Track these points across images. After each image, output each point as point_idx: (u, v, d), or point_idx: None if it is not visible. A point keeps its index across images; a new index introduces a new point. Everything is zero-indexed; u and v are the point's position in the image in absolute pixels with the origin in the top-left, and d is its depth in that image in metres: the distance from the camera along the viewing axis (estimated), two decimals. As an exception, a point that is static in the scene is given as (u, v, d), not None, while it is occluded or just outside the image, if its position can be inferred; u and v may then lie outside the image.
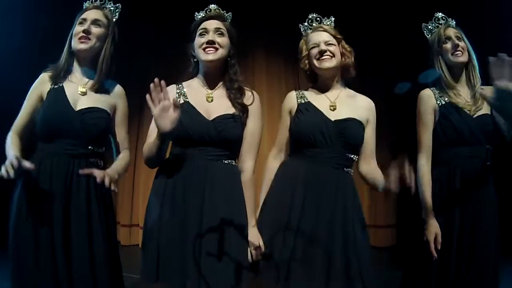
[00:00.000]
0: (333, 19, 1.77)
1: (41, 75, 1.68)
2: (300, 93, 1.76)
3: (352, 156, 1.67)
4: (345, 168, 1.65)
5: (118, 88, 1.75)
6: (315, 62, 1.69)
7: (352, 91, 1.78)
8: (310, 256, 1.54)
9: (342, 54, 1.71)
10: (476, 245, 1.67)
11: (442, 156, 1.81)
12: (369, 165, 1.71)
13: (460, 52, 1.80)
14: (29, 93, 1.66)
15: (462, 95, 1.81)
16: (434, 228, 1.72)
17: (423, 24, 1.94)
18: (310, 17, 1.77)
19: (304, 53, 1.74)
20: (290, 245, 1.56)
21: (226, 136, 1.57)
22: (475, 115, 1.77)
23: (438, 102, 1.82)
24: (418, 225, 1.78)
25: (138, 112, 4.79)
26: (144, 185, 4.70)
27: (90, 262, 1.54)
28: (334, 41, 1.70)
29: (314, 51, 1.69)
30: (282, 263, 1.55)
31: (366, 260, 1.57)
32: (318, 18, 1.76)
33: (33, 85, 1.66)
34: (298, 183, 1.62)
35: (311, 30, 1.76)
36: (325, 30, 1.72)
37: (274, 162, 1.76)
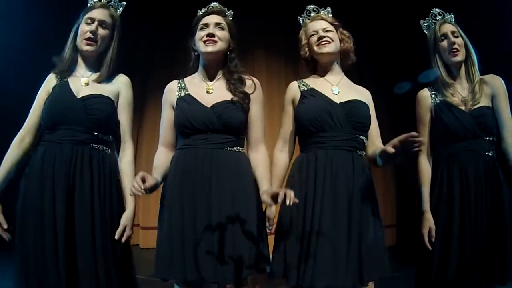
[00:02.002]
0: (329, 9, 1.82)
1: (49, 75, 1.72)
2: (302, 81, 1.77)
3: (362, 138, 1.66)
4: (358, 151, 1.64)
5: (122, 77, 1.77)
6: (315, 48, 1.72)
7: (351, 82, 1.80)
8: (332, 246, 1.52)
9: (341, 40, 1.75)
10: (480, 237, 1.68)
11: (440, 154, 1.83)
12: (374, 146, 1.70)
13: (457, 51, 1.80)
14: (38, 95, 1.69)
15: (460, 92, 1.82)
16: (428, 222, 1.76)
17: (421, 21, 1.94)
18: (307, 8, 1.83)
19: (304, 41, 1.77)
20: (314, 240, 1.54)
21: (226, 120, 1.58)
22: (471, 110, 1.77)
23: (433, 101, 1.85)
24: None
25: (139, 112, 4.79)
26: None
27: (93, 250, 1.55)
28: (332, 27, 1.74)
29: (314, 38, 1.73)
30: (305, 256, 1.54)
31: (376, 250, 1.57)
32: (315, 9, 1.81)
33: (41, 87, 1.70)
34: (315, 175, 1.61)
35: (309, 20, 1.80)
36: (323, 19, 1.76)
37: (281, 155, 1.76)
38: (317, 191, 1.59)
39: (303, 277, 1.52)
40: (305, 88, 1.73)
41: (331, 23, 1.75)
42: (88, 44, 1.66)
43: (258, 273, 1.56)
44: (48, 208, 1.52)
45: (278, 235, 1.65)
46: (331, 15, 1.80)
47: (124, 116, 1.74)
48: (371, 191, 1.64)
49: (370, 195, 1.63)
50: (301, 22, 1.85)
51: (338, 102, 1.66)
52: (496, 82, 1.81)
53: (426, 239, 1.75)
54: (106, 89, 1.70)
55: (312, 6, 1.82)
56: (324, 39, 1.70)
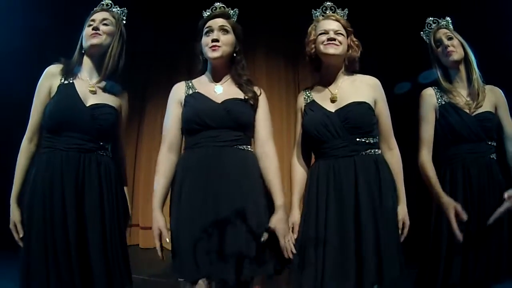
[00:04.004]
0: (346, 11, 1.78)
1: (48, 68, 1.69)
2: (307, 92, 1.79)
3: (364, 140, 1.64)
4: (362, 152, 1.63)
5: (124, 92, 1.80)
6: (321, 47, 1.69)
7: (356, 76, 1.76)
8: (341, 252, 1.53)
9: (349, 46, 1.72)
10: (482, 236, 1.68)
11: (444, 155, 1.83)
12: (388, 152, 1.70)
13: (453, 51, 1.82)
14: (37, 89, 1.66)
15: (463, 93, 1.84)
16: (450, 203, 1.68)
17: (421, 33, 1.96)
18: (325, 5, 1.78)
19: (312, 37, 1.74)
20: (321, 248, 1.56)
21: (236, 115, 1.59)
22: (475, 113, 1.79)
23: (439, 102, 1.85)
24: (428, 220, 1.82)
25: (138, 113, 4.80)
26: (143, 185, 4.70)
27: (105, 255, 1.57)
28: (343, 31, 1.71)
29: (323, 37, 1.69)
30: (315, 262, 1.56)
31: (389, 248, 1.55)
32: (332, 8, 1.77)
33: (40, 80, 1.67)
34: (320, 183, 1.64)
35: (323, 17, 1.76)
36: (337, 20, 1.72)
37: (299, 161, 1.78)
38: (320, 201, 1.61)
39: (313, 279, 1.53)
40: (308, 101, 1.75)
41: (345, 27, 1.72)
42: (92, 37, 1.66)
43: (271, 273, 1.55)
44: (58, 215, 1.53)
45: (296, 239, 1.65)
46: (346, 18, 1.76)
47: (122, 129, 1.81)
48: (386, 188, 1.61)
49: (382, 193, 1.60)
50: (313, 16, 1.81)
51: (333, 110, 1.66)
52: (497, 93, 1.85)
53: (455, 225, 1.65)
54: (112, 100, 1.72)
55: (329, 4, 1.78)
56: (332, 42, 1.66)
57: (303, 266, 1.58)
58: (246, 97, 1.64)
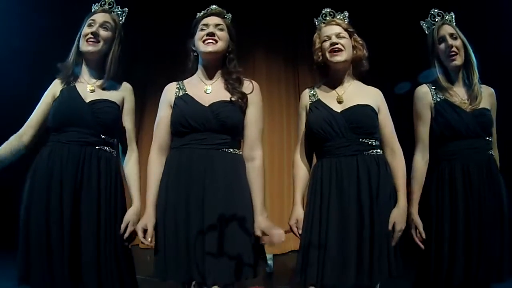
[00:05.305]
0: (346, 13, 1.82)
1: (54, 81, 1.75)
2: (312, 91, 1.82)
3: (367, 141, 1.68)
4: (364, 152, 1.66)
5: (125, 84, 1.82)
6: (327, 55, 1.74)
7: (361, 84, 1.81)
8: (342, 252, 1.56)
9: (353, 47, 1.76)
10: (483, 233, 1.69)
11: (442, 151, 1.82)
12: (391, 154, 1.72)
13: (455, 55, 1.80)
14: (43, 96, 1.73)
15: (459, 94, 1.83)
16: (417, 224, 1.76)
17: (421, 21, 1.94)
18: (324, 11, 1.83)
19: (317, 45, 1.79)
20: (323, 248, 1.59)
21: (223, 119, 1.58)
22: (472, 110, 1.79)
23: (434, 99, 1.84)
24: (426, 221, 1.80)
25: (139, 112, 4.80)
26: (144, 184, 4.68)
27: (97, 247, 1.58)
28: (345, 34, 1.75)
29: (326, 44, 1.74)
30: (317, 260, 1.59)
31: (384, 248, 1.58)
32: (331, 13, 1.82)
33: (47, 91, 1.74)
34: (323, 182, 1.67)
35: (324, 24, 1.80)
36: (337, 24, 1.77)
37: (301, 158, 1.82)
38: (323, 199, 1.64)
39: (315, 277, 1.56)
40: (313, 99, 1.78)
41: (346, 29, 1.76)
42: (90, 44, 1.69)
43: (255, 275, 1.56)
44: (54, 207, 1.55)
45: (301, 238, 1.69)
46: (347, 21, 1.80)
47: (129, 121, 1.80)
48: (387, 188, 1.64)
49: (380, 193, 1.62)
50: (316, 25, 1.85)
51: (339, 111, 1.70)
52: (491, 93, 1.85)
53: (416, 238, 1.75)
54: (112, 95, 1.74)
55: (328, 10, 1.82)
56: (336, 46, 1.71)
57: (305, 265, 1.60)
58: (232, 99, 1.61)
